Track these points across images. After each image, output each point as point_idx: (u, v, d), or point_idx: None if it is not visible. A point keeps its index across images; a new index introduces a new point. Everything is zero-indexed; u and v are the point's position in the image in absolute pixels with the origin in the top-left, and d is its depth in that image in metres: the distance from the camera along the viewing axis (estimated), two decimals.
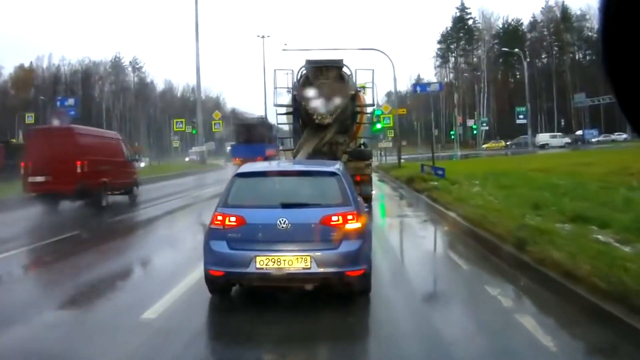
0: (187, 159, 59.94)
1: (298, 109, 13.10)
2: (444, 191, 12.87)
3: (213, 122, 42.43)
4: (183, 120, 40.10)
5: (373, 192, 14.39)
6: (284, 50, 25.70)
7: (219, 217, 5.44)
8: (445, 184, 14.37)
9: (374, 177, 22.43)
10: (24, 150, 16.48)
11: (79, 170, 14.70)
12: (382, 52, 25.38)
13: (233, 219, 5.38)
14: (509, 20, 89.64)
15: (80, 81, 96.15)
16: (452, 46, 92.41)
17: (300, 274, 5.17)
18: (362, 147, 15.27)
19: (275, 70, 13.93)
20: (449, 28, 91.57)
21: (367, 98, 15.16)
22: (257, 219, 5.41)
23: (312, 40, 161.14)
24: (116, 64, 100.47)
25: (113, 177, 15.98)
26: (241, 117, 45.34)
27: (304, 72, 12.97)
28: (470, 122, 71.71)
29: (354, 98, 13.22)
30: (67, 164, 14.46)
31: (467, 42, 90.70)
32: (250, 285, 5.60)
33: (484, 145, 68.36)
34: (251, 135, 28.77)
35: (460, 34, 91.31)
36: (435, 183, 14.88)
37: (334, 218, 5.32)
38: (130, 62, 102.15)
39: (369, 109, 16.55)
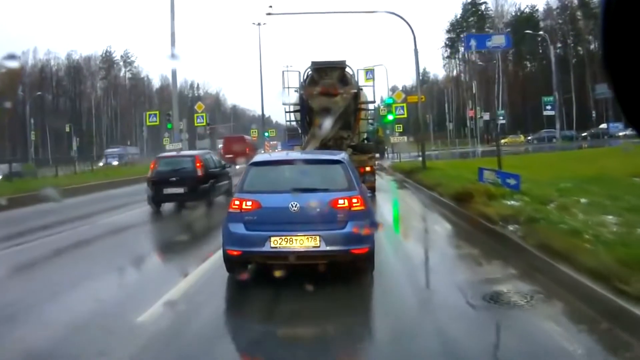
0: (101, 164, 44.32)
1: (305, 107, 14.21)
2: (559, 230, 6.34)
3: (195, 115, 36.08)
4: (157, 112, 33.74)
5: (375, 182, 15.49)
6: (268, 14, 19.31)
7: (236, 202, 6.02)
8: (540, 208, 7.93)
9: (392, 184, 19.31)
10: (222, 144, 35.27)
11: (247, 152, 31.11)
12: (398, 15, 19.03)
13: (249, 203, 5.94)
14: (522, 8, 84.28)
15: (67, 76, 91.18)
16: (462, 35, 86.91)
17: (310, 252, 5.72)
18: (365, 141, 16.37)
19: (283, 71, 15.45)
20: (458, 16, 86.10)
21: (369, 96, 15.85)
22: (271, 203, 5.96)
23: (309, 30, 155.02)
24: (107, 59, 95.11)
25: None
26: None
27: (310, 72, 14.17)
28: (485, 116, 65.18)
29: (356, 96, 14.24)
30: (243, 149, 32.29)
31: (478, 30, 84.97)
32: (265, 262, 5.94)
33: (502, 141, 62.00)
34: (296, 135, 37.36)
35: (471, 20, 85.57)
36: (515, 202, 8.49)
37: (341, 201, 5.88)
38: (121, 56, 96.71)
39: (370, 106, 17.16)
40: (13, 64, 75.93)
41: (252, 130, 71.64)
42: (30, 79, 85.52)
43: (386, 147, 43.03)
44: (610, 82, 1.10)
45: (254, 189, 6.12)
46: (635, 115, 1.10)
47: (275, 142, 67.69)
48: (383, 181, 20.98)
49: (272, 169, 6.71)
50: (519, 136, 64.21)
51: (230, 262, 6.10)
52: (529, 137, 61.64)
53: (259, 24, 66.49)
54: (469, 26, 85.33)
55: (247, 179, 6.24)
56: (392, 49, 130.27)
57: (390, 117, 30.55)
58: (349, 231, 5.75)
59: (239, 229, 5.89)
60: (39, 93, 73.87)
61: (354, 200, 5.89)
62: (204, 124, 35.70)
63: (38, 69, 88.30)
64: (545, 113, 49.10)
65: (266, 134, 66.33)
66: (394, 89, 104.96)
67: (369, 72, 32.18)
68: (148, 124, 33.15)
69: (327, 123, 13.10)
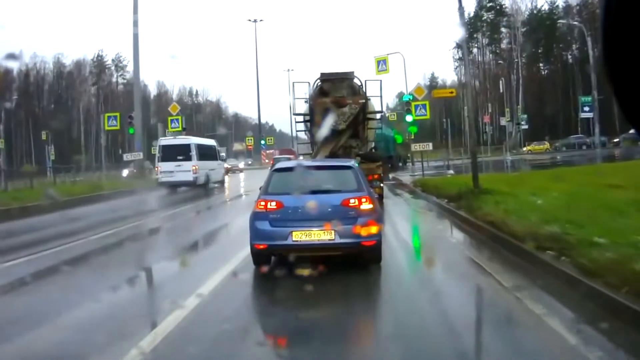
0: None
1: (314, 117, 14.71)
2: None
3: (169, 119, 29.78)
4: (117, 114, 27.31)
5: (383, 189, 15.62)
6: None
7: (262, 203, 6.89)
8: None
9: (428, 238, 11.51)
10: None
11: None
12: None
13: (273, 203, 6.82)
14: (539, 6, 78.74)
15: (56, 81, 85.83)
16: (475, 35, 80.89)
17: (326, 244, 6.61)
18: (373, 150, 16.71)
19: (293, 82, 15.72)
20: (471, 14, 79.87)
21: (376, 106, 15.94)
22: (292, 203, 6.75)
23: (311, 24, 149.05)
24: (98, 63, 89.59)
25: None
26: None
27: (319, 84, 14.79)
28: (504, 121, 58.56)
29: (365, 106, 14.60)
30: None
31: (492, 29, 78.86)
32: (287, 254, 6.49)
33: (525, 148, 55.74)
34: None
35: (485, 18, 79.62)
36: None
37: (352, 201, 6.77)
38: (112, 60, 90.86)
39: (378, 115, 16.72)
40: (13, 64, 71.63)
41: (247, 138, 65.52)
42: (16, 84, 79.95)
43: (409, 156, 36.48)
44: (610, 83, 1.12)
45: (276, 191, 7.00)
46: (635, 116, 1.12)
47: (271, 151, 61.23)
48: (406, 222, 12.63)
49: (292, 174, 7.49)
50: (543, 143, 57.51)
51: (257, 255, 6.98)
52: (557, 144, 55.01)
53: (254, 21, 62.03)
54: (483, 24, 79.41)
55: (271, 183, 7.20)
56: (404, 49, 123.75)
57: (409, 119, 23.78)
58: (359, 226, 6.61)
59: (264, 225, 6.76)
60: (15, 97, 67.91)
61: (363, 200, 6.80)
62: (180, 128, 29.21)
63: (23, 74, 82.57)
64: (582, 115, 42.42)
65: (262, 142, 59.86)
66: (400, 95, 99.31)
67: (382, 62, 25.74)
68: (107, 128, 26.58)
69: (335, 132, 13.76)
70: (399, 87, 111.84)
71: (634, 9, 1.04)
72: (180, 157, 22.80)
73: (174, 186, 23.12)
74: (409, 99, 24.75)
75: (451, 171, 22.08)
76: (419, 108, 23.29)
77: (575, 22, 49.43)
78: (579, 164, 27.15)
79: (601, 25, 1.11)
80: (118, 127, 26.65)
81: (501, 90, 51.30)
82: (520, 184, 14.22)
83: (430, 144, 23.77)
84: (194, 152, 23.19)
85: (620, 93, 1.11)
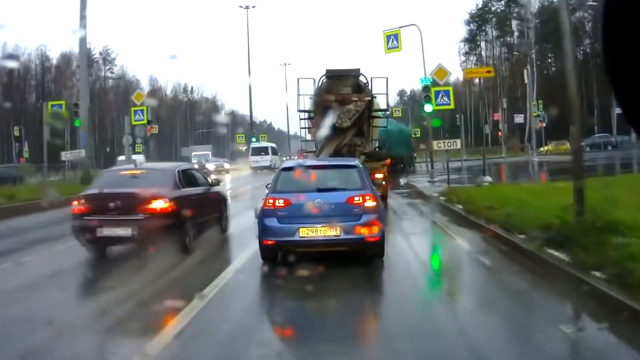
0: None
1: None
2: None
3: (133, 110, 24.79)
4: (62, 102, 22.24)
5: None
6: None
7: (270, 201, 7.18)
8: None
9: None
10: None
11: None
12: None
13: (281, 201, 7.11)
14: None
15: (38, 74, 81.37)
16: (484, 27, 76.26)
17: (332, 240, 6.90)
18: (377, 149, 15.95)
19: (298, 79, 15.67)
20: (479, 5, 75.13)
21: (381, 104, 15.63)
22: (299, 200, 7.04)
23: (307, 15, 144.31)
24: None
25: None
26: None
27: (324, 80, 14.67)
28: (518, 118, 53.75)
29: (370, 104, 14.42)
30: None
31: (500, 21, 74.18)
32: (295, 250, 6.89)
33: (544, 148, 50.91)
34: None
35: (495, 8, 75.05)
36: None
37: (356, 198, 7.08)
38: (100, 52, 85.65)
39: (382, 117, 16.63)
40: (13, 64, 68.48)
41: (237, 135, 60.42)
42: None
43: (415, 156, 31.47)
44: (610, 82, 1.11)
45: (284, 189, 7.29)
46: (635, 116, 1.11)
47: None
48: None
49: (299, 173, 7.61)
50: (564, 142, 52.47)
51: (266, 251, 7.19)
52: (581, 144, 49.88)
53: (246, 7, 58.53)
54: (491, 16, 74.70)
55: (279, 182, 7.44)
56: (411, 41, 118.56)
57: (428, 108, 18.60)
58: (363, 222, 6.92)
59: (272, 222, 7.01)
60: None
61: (367, 197, 7.09)
62: (144, 121, 24.01)
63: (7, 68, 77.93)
64: (618, 111, 37.72)
65: (254, 139, 54.50)
66: (401, 94, 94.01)
67: (392, 38, 20.82)
68: (49, 120, 21.28)
69: (339, 129, 13.74)
70: (399, 85, 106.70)
71: (634, 9, 1.02)
72: (262, 153, 42.94)
73: (258, 168, 39.03)
74: (428, 82, 19.52)
75: (489, 178, 16.78)
76: (440, 95, 18.21)
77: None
78: (627, 168, 21.90)
79: (601, 24, 1.10)
80: (66, 115, 21.45)
81: (525, 81, 46.26)
82: (621, 204, 8.70)
83: (458, 141, 18.53)
84: (269, 150, 43.60)
85: (620, 93, 1.09)
